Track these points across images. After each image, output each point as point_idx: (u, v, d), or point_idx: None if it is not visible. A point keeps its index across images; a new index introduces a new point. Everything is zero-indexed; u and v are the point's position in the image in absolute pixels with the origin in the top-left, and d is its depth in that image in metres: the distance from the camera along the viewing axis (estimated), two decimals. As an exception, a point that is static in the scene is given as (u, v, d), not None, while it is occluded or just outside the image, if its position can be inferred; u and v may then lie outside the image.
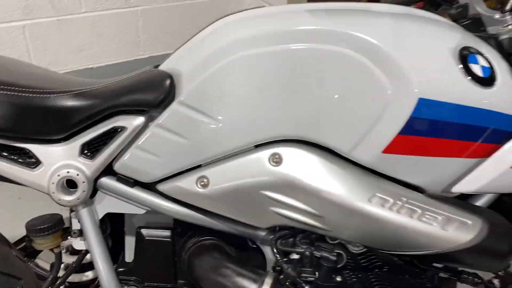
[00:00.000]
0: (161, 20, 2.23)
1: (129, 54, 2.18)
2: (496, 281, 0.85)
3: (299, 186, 0.68)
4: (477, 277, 0.81)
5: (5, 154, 0.71)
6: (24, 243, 0.87)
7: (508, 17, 0.81)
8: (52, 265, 0.76)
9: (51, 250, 0.74)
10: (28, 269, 0.77)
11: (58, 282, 0.76)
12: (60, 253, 0.76)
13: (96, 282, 0.83)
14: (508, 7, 0.80)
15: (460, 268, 0.81)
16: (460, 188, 0.70)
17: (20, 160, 0.71)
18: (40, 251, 0.90)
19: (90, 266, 0.82)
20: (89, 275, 0.83)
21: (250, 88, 0.69)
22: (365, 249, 0.78)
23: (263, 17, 0.74)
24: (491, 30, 0.83)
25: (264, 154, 0.69)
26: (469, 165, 0.70)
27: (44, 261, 0.92)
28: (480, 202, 0.78)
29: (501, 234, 0.70)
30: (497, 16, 0.84)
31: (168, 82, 0.70)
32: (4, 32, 1.80)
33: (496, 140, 0.69)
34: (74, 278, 0.82)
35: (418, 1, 1.04)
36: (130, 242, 0.79)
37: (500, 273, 0.83)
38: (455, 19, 0.85)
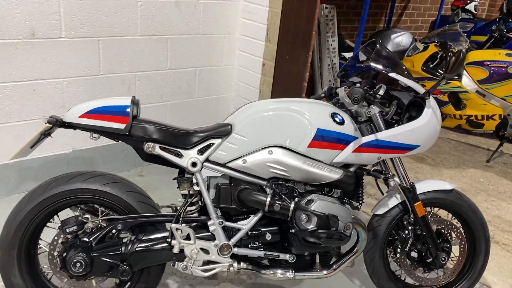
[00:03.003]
0: (182, 110, 3.50)
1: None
2: (358, 206, 2.06)
3: (279, 160, 1.85)
4: (349, 201, 2.02)
5: (169, 152, 1.86)
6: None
7: (355, 105, 2.10)
8: (186, 198, 1.90)
9: (185, 189, 1.89)
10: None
11: (186, 205, 1.89)
12: (189, 192, 1.90)
13: (197, 208, 1.95)
14: (355, 103, 2.06)
15: (344, 197, 2.02)
16: (336, 159, 1.89)
17: (175, 154, 1.87)
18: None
19: (193, 204, 1.95)
20: (192, 207, 1.95)
21: (259, 127, 1.88)
22: (305, 191, 1.97)
23: (260, 104, 1.99)
24: (348, 107, 2.12)
25: (265, 150, 1.85)
26: (337, 153, 1.92)
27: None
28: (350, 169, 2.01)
29: (349, 176, 1.89)
30: (352, 104, 2.14)
31: (229, 127, 1.90)
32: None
33: (347, 144, 1.92)
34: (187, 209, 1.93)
35: (323, 97, 2.37)
36: (212, 189, 1.92)
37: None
38: (334, 104, 2.16)
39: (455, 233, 2.21)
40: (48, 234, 1.89)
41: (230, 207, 1.91)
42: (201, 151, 1.87)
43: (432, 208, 2.22)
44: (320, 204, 1.82)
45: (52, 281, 1.94)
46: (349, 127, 1.93)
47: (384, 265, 2.19)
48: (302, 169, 1.85)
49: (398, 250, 2.14)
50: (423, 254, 2.19)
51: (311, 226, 1.78)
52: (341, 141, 1.91)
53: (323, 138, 1.88)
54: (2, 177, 2.81)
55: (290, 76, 3.32)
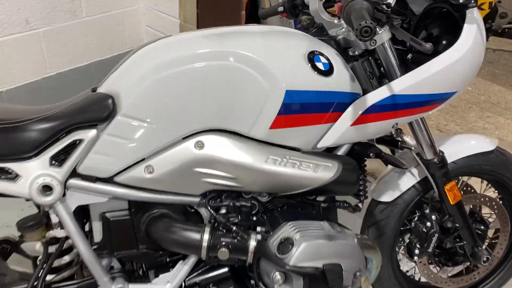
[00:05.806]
0: (63, 38, 2.37)
1: (37, 73, 2.29)
2: (360, 205, 1.24)
3: (218, 160, 0.96)
4: (346, 203, 1.19)
5: (-14, 174, 0.91)
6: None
7: (342, 21, 1.17)
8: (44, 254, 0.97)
9: (39, 241, 0.96)
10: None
11: (45, 266, 0.98)
12: (47, 242, 0.98)
13: (74, 264, 1.06)
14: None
15: (335, 198, 1.17)
16: (322, 144, 1.03)
17: (2, 176, 0.92)
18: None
19: (67, 251, 1.04)
20: (66, 258, 1.03)
21: (171, 98, 0.95)
22: (270, 198, 1.10)
23: (173, 43, 1.01)
24: (332, 32, 1.18)
25: (190, 143, 0.96)
26: (326, 128, 1.02)
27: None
28: (339, 152, 1.13)
29: (350, 170, 1.06)
30: (335, 21, 1.20)
31: (110, 101, 0.94)
32: None
33: (340, 109, 1.03)
34: (55, 263, 1.03)
35: (282, 13, 1.39)
36: (96, 226, 1.03)
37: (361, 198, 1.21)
38: (306, 28, 1.20)
39: (493, 209, 1.48)
40: None
41: (135, 253, 1.02)
42: (57, 159, 0.92)
43: (461, 177, 1.45)
44: (307, 248, 0.95)
45: None
46: (341, 77, 1.04)
47: (393, 267, 1.45)
48: (263, 172, 0.97)
49: (416, 251, 1.38)
50: (450, 247, 1.46)
51: (293, 293, 0.94)
52: (329, 106, 1.01)
53: (297, 108, 0.97)
54: None
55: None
